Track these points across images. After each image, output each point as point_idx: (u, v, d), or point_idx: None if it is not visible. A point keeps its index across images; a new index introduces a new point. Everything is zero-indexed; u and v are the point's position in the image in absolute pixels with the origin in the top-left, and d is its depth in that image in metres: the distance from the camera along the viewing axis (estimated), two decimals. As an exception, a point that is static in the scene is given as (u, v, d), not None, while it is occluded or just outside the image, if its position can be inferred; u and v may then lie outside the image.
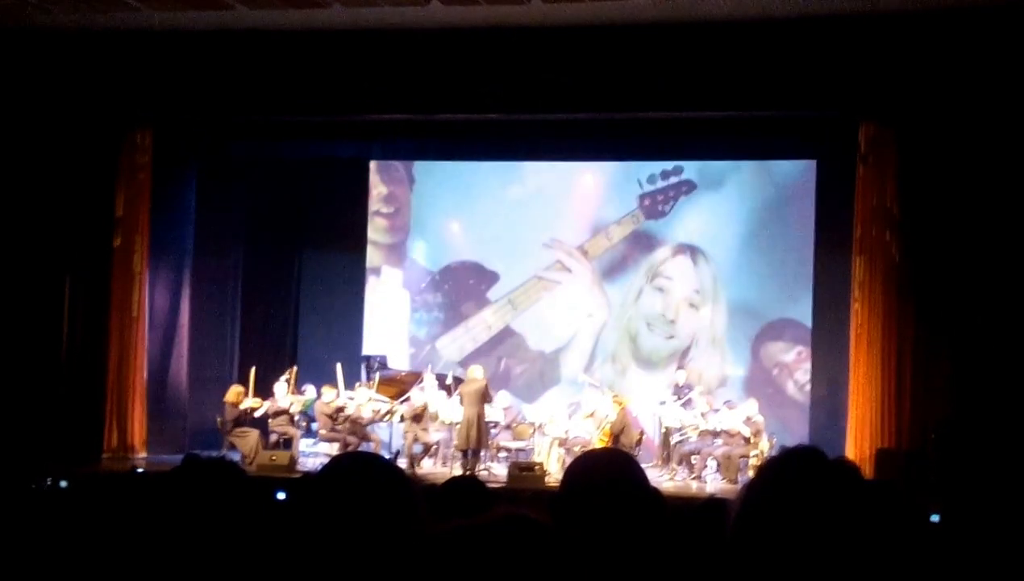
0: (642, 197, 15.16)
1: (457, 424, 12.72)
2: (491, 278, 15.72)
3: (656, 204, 15.17)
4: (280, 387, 13.21)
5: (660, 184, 15.14)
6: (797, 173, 14.58)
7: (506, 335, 15.62)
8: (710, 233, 14.95)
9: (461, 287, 15.84)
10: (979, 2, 10.70)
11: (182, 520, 2.32)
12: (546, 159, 15.09)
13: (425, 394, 13.20)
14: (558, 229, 15.41)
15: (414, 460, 12.64)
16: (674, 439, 13.01)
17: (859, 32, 11.37)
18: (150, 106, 12.97)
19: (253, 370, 13.30)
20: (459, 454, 12.71)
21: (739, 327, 14.77)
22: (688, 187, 15.05)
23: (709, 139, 14.04)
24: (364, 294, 15.75)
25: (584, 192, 15.44)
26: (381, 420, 13.33)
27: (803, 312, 14.37)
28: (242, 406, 12.88)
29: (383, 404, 13.31)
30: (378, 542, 2.07)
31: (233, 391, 13.03)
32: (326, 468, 2.24)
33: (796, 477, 1.85)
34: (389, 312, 15.85)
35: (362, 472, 2.19)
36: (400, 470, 2.31)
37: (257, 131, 14.12)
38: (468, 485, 3.81)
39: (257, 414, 12.93)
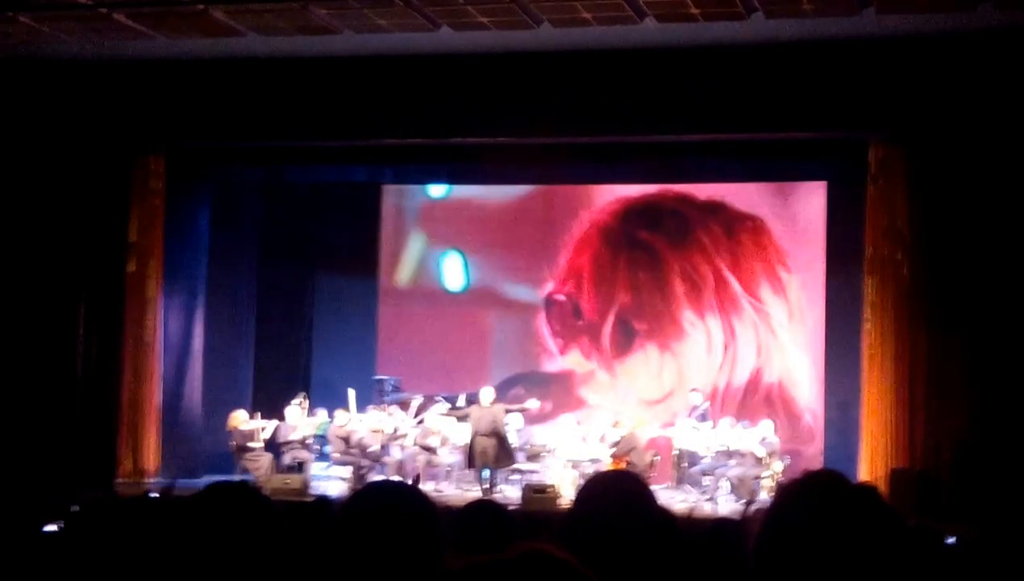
0: None
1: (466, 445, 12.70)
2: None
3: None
4: (293, 411, 13.23)
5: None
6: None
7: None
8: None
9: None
10: (987, 24, 10.72)
11: (203, 545, 2.32)
12: (558, 182, 14.81)
13: (438, 417, 13.20)
14: (562, 245, 14.92)
15: (422, 480, 12.63)
16: (687, 461, 12.95)
17: (868, 54, 11.40)
18: (163, 132, 13.07)
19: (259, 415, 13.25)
20: (474, 474, 12.67)
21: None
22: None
23: (719, 161, 13.97)
24: (377, 317, 15.59)
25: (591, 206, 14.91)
26: (390, 442, 13.31)
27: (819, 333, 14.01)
28: (243, 428, 12.88)
29: (387, 427, 13.27)
30: (402, 576, 2.06)
31: (233, 416, 13.03)
32: (354, 498, 2.23)
33: (817, 502, 1.85)
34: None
35: (392, 504, 2.18)
36: (427, 501, 2.29)
37: (269, 156, 14.18)
38: (488, 510, 3.80)
39: (264, 435, 12.92)
